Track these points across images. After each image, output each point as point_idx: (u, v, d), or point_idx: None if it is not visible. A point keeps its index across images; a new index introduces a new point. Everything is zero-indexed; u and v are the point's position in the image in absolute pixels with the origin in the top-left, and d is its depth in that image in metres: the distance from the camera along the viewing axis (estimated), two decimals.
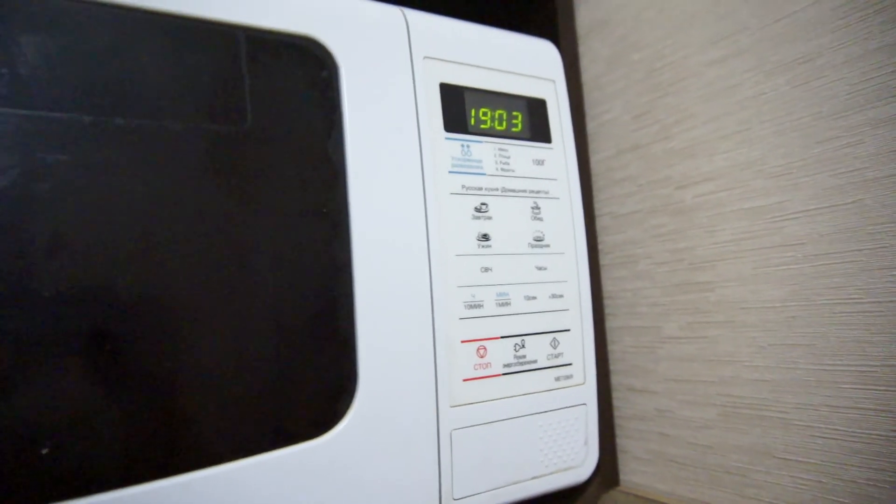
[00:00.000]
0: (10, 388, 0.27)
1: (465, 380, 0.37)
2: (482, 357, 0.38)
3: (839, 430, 0.37)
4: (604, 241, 0.52)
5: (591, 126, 0.53)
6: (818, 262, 0.38)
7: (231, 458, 0.30)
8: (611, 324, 0.51)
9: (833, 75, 0.37)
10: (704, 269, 0.44)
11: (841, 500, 0.37)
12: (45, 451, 0.27)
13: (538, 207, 0.41)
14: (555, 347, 0.40)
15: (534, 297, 0.40)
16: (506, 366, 0.38)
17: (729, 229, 0.43)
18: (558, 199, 0.42)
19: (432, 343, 0.36)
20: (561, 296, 0.41)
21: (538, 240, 0.40)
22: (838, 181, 0.37)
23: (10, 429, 0.27)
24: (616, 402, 0.51)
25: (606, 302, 0.51)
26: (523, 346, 0.39)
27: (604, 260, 0.52)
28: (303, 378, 0.33)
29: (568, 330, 0.41)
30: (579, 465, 0.41)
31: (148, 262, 0.30)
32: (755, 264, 0.41)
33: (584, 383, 0.41)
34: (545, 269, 0.40)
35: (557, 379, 0.40)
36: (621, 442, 0.50)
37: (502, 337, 0.38)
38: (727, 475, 0.43)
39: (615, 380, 0.51)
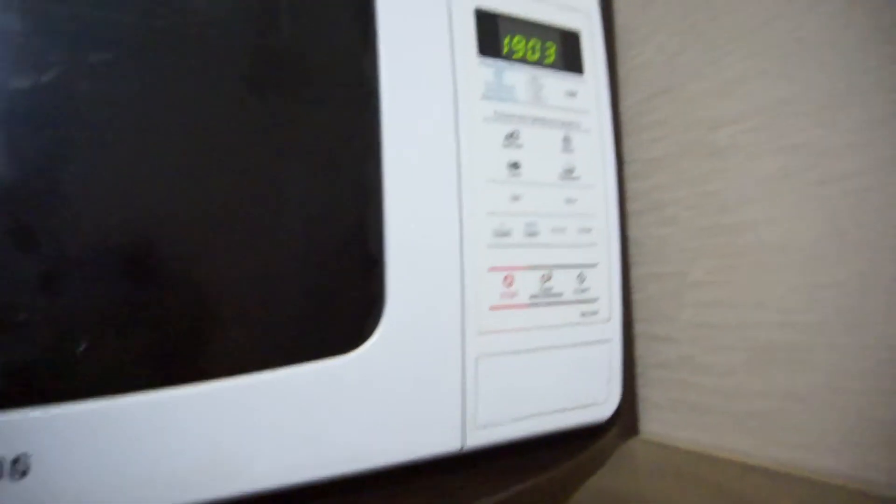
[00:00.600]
0: (51, 288, 0.27)
1: (491, 308, 0.37)
2: (509, 286, 0.37)
3: (868, 370, 0.36)
4: (632, 187, 0.51)
5: (622, 70, 0.52)
6: (854, 199, 0.37)
7: (258, 368, 0.30)
8: (636, 272, 0.51)
9: (873, 3, 0.36)
10: (735, 211, 0.44)
11: (868, 440, 0.36)
12: (83, 348, 0.27)
13: (569, 139, 0.40)
14: (581, 282, 0.40)
15: (562, 230, 0.39)
16: (532, 297, 0.38)
17: (763, 168, 0.42)
18: (589, 132, 0.41)
19: (460, 268, 0.36)
20: (590, 230, 0.40)
21: (568, 171, 0.40)
22: (876, 114, 0.36)
23: (51, 325, 0.27)
24: (639, 352, 0.50)
25: (632, 250, 0.51)
26: (550, 278, 0.39)
27: (631, 206, 0.51)
28: (331, 295, 0.33)
29: (595, 265, 0.40)
30: (602, 402, 0.41)
31: (183, 171, 0.30)
32: (789, 203, 0.40)
33: (609, 320, 0.41)
34: (575, 201, 0.40)
35: (583, 314, 0.40)
36: (643, 391, 0.50)
37: (530, 267, 0.38)
38: (751, 420, 0.42)
39: (639, 328, 0.50)
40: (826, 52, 0.38)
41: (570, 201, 0.40)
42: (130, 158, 0.29)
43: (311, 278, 0.32)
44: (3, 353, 0.26)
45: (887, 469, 0.35)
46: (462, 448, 0.36)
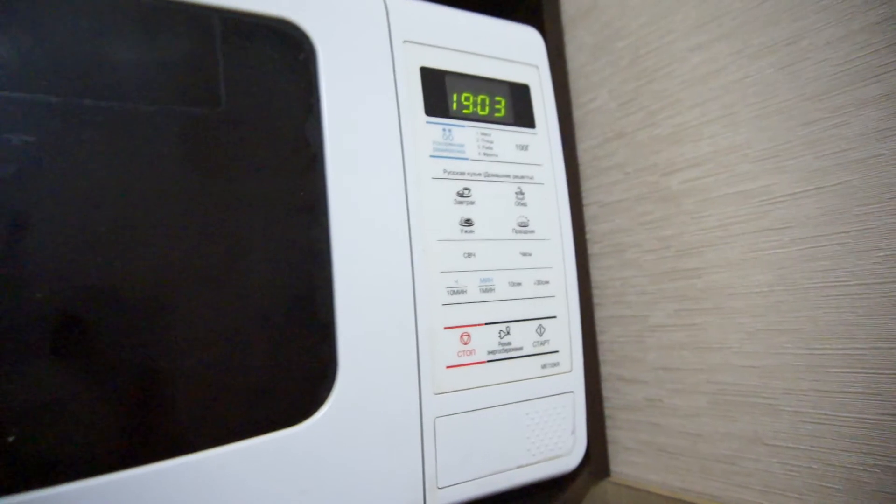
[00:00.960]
0: None
1: (448, 367, 0.36)
2: (466, 344, 0.37)
3: (828, 414, 0.36)
4: (592, 230, 0.51)
5: (577, 114, 0.52)
6: (805, 246, 0.37)
7: (209, 445, 0.30)
8: (599, 314, 0.51)
9: (817, 56, 0.37)
10: (691, 255, 0.44)
11: (831, 485, 0.36)
12: (11, 439, 0.26)
13: (522, 193, 0.40)
14: (541, 334, 0.40)
15: (519, 284, 0.39)
16: (490, 353, 0.38)
17: (715, 215, 0.42)
18: (543, 184, 0.41)
19: (414, 329, 0.35)
20: (547, 282, 0.40)
21: (523, 225, 0.40)
22: (824, 163, 0.37)
23: None
24: (606, 393, 0.50)
25: (595, 291, 0.51)
26: (508, 333, 0.38)
27: (592, 249, 0.51)
28: (281, 365, 0.32)
29: (554, 317, 0.40)
30: (567, 453, 0.40)
31: (118, 248, 0.29)
32: (742, 249, 0.41)
33: (570, 371, 0.41)
34: (530, 254, 0.40)
35: (544, 366, 0.40)
36: (611, 433, 0.50)
37: (487, 323, 0.38)
38: (718, 464, 0.42)
39: (605, 370, 0.50)
40: (772, 102, 0.39)
41: (525, 255, 0.40)
42: (61, 238, 0.28)
43: (258, 349, 0.32)
44: None
45: None
46: None
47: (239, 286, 0.31)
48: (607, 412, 0.50)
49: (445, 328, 0.36)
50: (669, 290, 0.45)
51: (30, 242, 0.27)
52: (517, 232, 0.40)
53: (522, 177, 0.40)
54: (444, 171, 0.37)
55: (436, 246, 0.37)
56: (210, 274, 0.31)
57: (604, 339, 0.50)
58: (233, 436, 0.30)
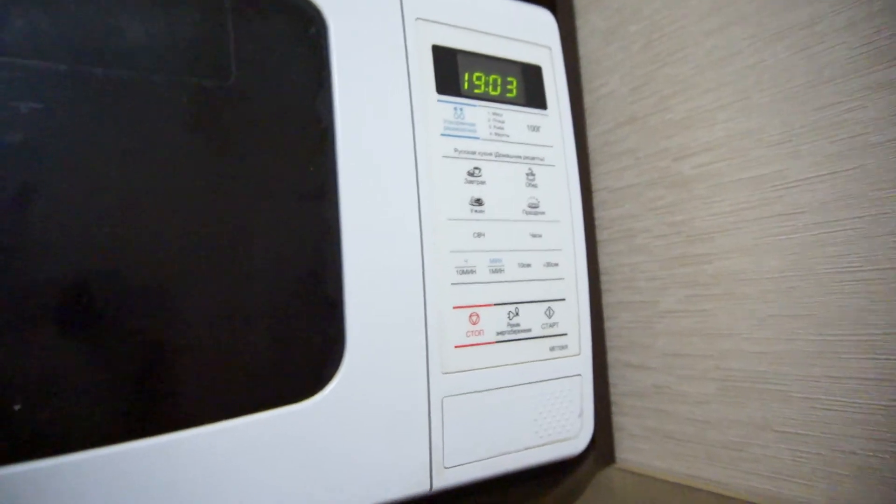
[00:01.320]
0: None
1: (456, 346, 0.36)
2: (475, 324, 0.37)
3: (840, 401, 0.36)
4: (601, 216, 0.51)
5: (588, 100, 0.52)
6: (818, 231, 0.37)
7: (215, 419, 0.30)
8: (608, 299, 0.50)
9: (833, 40, 0.36)
10: (703, 241, 0.43)
11: (841, 471, 0.36)
12: (17, 408, 0.26)
13: (533, 174, 0.40)
14: (549, 317, 0.39)
15: (528, 265, 0.39)
16: (499, 333, 0.38)
17: (728, 200, 0.42)
18: (554, 166, 0.41)
19: (423, 308, 0.35)
20: (556, 264, 0.40)
21: (533, 206, 0.39)
22: (839, 147, 0.36)
23: None
24: (613, 380, 0.50)
25: (603, 277, 0.51)
26: (517, 314, 0.38)
27: (601, 235, 0.51)
28: (289, 341, 0.32)
29: (563, 299, 0.40)
30: (574, 436, 0.40)
31: (125, 219, 0.29)
32: (754, 235, 0.40)
33: (579, 354, 0.41)
34: (540, 236, 0.39)
35: (552, 349, 0.39)
36: (618, 419, 0.50)
37: (495, 304, 0.38)
38: (725, 451, 0.42)
39: (612, 356, 0.50)
40: (787, 87, 0.39)
41: (535, 236, 0.39)
42: (68, 207, 0.28)
43: (266, 325, 0.32)
44: None
45: (859, 500, 0.35)
46: (431, 490, 0.35)
47: (247, 261, 0.31)
48: (614, 399, 0.50)
49: (454, 308, 0.36)
50: (679, 276, 0.45)
51: (36, 211, 0.27)
52: (527, 213, 0.39)
53: (533, 158, 0.40)
54: (455, 150, 0.37)
55: (446, 225, 0.36)
56: (218, 247, 0.31)
57: (611, 325, 0.50)
58: (239, 410, 0.30)
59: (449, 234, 0.36)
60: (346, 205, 0.34)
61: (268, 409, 0.31)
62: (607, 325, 0.50)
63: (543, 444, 0.39)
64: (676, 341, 0.45)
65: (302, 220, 0.33)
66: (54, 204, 0.28)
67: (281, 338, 0.32)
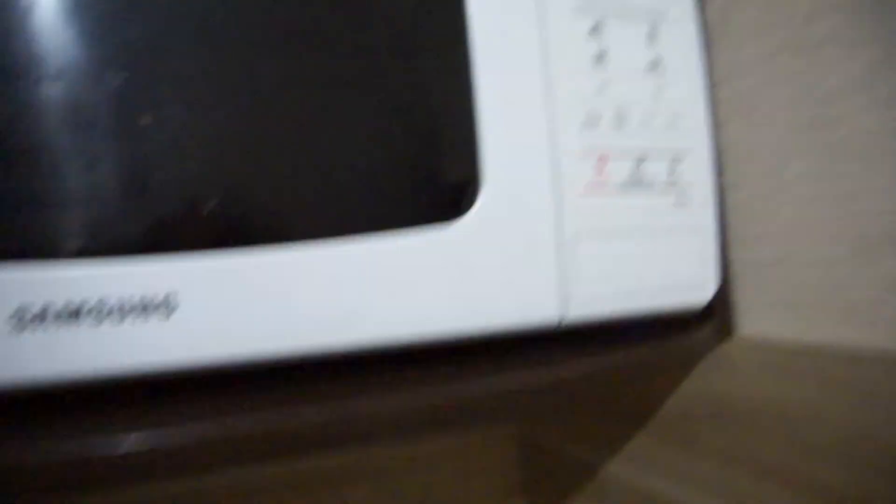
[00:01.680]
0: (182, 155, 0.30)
1: (584, 190, 0.38)
2: (600, 172, 0.38)
3: None
4: (719, 90, 0.50)
5: None
6: None
7: (372, 230, 0.33)
8: (726, 176, 0.50)
9: None
10: (831, 103, 0.42)
11: None
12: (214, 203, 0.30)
13: (656, 31, 0.40)
14: (674, 169, 0.40)
15: (652, 118, 0.39)
16: (623, 183, 0.39)
17: (863, 57, 0.40)
18: (677, 21, 0.41)
19: (551, 152, 0.37)
20: (680, 117, 0.40)
21: (655, 63, 0.40)
22: None
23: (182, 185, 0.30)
24: (733, 255, 0.50)
25: (722, 154, 0.50)
26: (641, 165, 0.39)
27: (719, 110, 0.50)
28: (434, 169, 0.35)
29: (688, 151, 0.41)
30: (699, 286, 0.41)
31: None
32: (888, 92, 0.39)
33: (703, 206, 0.41)
34: (663, 91, 0.40)
35: (676, 200, 0.40)
36: (737, 293, 0.49)
37: (620, 153, 0.39)
38: (857, 311, 0.41)
39: (733, 230, 0.49)
40: None
41: (658, 90, 0.40)
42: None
43: (413, 154, 0.35)
44: (145, 206, 0.30)
45: None
46: (560, 323, 0.37)
47: (387, 88, 0.34)
48: (735, 268, 0.49)
49: (580, 154, 0.38)
50: (805, 142, 0.44)
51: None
52: (650, 69, 0.40)
53: (658, 12, 0.40)
54: (581, 2, 0.38)
55: (570, 75, 0.38)
56: (361, 89, 0.34)
57: (731, 199, 0.50)
58: (394, 225, 0.33)
59: (574, 83, 0.38)
60: (479, 50, 0.36)
61: (416, 227, 0.34)
62: (728, 199, 0.50)
63: (671, 287, 0.40)
64: (802, 208, 0.44)
65: (435, 60, 0.35)
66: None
67: (428, 167, 0.35)
